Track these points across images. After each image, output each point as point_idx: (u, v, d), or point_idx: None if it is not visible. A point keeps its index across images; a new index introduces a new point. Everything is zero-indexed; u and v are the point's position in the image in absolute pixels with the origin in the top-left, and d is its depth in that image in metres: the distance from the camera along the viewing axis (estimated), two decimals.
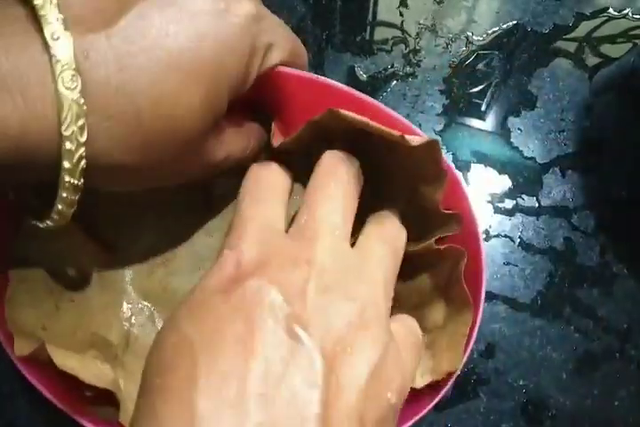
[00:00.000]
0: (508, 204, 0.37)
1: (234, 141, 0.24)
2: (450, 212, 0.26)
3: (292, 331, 0.16)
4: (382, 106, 0.27)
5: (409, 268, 0.29)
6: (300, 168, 0.31)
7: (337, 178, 0.23)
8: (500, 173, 0.38)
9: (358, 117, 0.25)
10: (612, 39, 0.40)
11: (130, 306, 0.32)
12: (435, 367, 0.26)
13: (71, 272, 0.30)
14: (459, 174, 0.27)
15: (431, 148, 0.24)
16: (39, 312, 0.27)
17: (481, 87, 0.39)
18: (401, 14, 0.40)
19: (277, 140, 0.29)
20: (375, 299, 0.19)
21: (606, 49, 0.40)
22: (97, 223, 0.31)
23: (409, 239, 0.29)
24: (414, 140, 0.25)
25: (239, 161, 0.25)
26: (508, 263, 0.36)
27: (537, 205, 0.37)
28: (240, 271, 0.18)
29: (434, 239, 0.26)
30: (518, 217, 0.37)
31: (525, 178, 0.38)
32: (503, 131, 0.38)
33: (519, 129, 0.38)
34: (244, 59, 0.20)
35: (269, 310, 0.17)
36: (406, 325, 0.22)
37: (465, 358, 0.25)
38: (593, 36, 0.40)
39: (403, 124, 0.27)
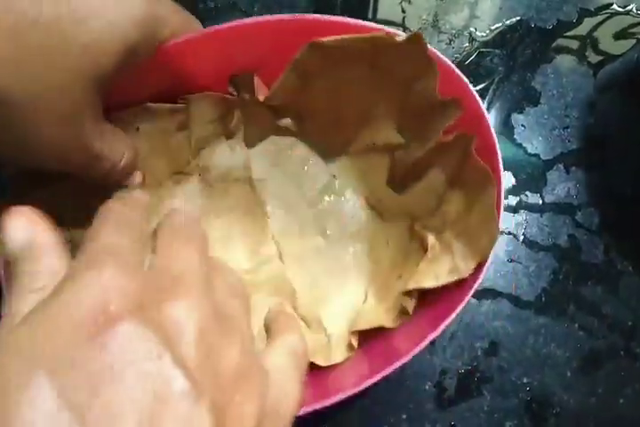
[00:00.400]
0: (512, 200, 0.37)
1: (112, 140, 0.24)
2: (448, 98, 0.25)
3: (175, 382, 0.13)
4: (359, 21, 0.26)
5: (419, 176, 0.29)
6: (286, 117, 0.31)
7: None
8: (503, 170, 0.37)
9: (338, 37, 0.25)
10: (616, 35, 0.40)
11: None
12: (476, 247, 0.25)
13: None
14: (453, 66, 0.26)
15: (416, 40, 0.24)
16: None
17: (484, 84, 0.39)
18: (403, 10, 0.39)
19: (262, 93, 0.28)
20: (250, 338, 0.17)
21: (610, 45, 0.40)
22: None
23: (414, 145, 0.29)
24: (398, 36, 0.24)
25: (111, 172, 0.25)
26: (511, 261, 0.36)
27: (541, 201, 0.37)
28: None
29: (440, 132, 0.26)
30: (522, 214, 0.37)
31: (529, 175, 0.37)
32: (507, 127, 0.38)
33: (523, 126, 0.38)
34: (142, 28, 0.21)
35: (147, 358, 0.13)
36: (286, 347, 0.19)
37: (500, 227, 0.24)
38: (597, 33, 0.40)
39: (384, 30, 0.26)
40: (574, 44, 0.39)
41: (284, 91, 0.28)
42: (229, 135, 0.32)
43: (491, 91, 0.38)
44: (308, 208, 0.33)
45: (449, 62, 0.25)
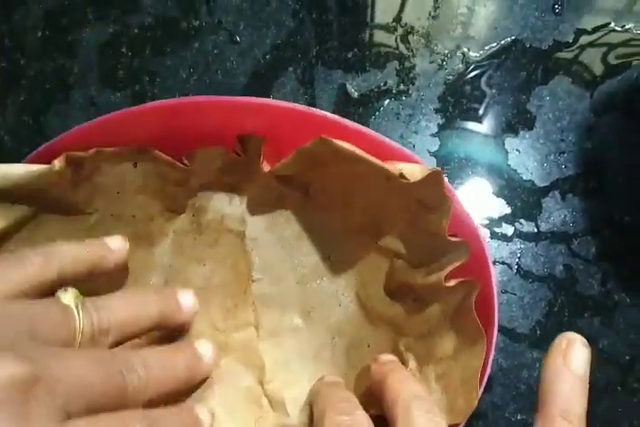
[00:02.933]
0: (506, 229, 0.36)
1: None
2: (457, 239, 0.25)
3: None
4: (377, 134, 0.25)
5: (417, 297, 0.28)
6: (291, 187, 0.30)
7: None
8: (497, 197, 0.36)
9: (352, 148, 0.24)
10: (613, 55, 0.39)
11: None
12: (451, 407, 0.24)
13: None
14: (462, 201, 0.26)
15: (434, 178, 0.23)
16: None
17: (477, 106, 0.37)
18: (395, 29, 0.38)
19: (266, 166, 0.28)
20: None
21: (607, 66, 0.38)
22: None
23: (415, 265, 0.28)
24: (414, 173, 0.24)
25: None
26: (505, 291, 0.35)
27: (536, 230, 0.36)
28: None
29: (443, 274, 0.25)
30: (516, 243, 0.35)
31: (524, 202, 0.36)
32: (500, 152, 0.37)
33: (517, 150, 0.37)
34: None
35: None
36: None
37: (480, 393, 0.24)
38: (593, 52, 0.38)
39: (397, 150, 0.26)
40: (571, 66, 0.38)
41: (292, 168, 0.27)
42: (230, 189, 0.31)
43: (485, 113, 0.37)
44: (295, 284, 0.31)
45: (463, 205, 0.26)
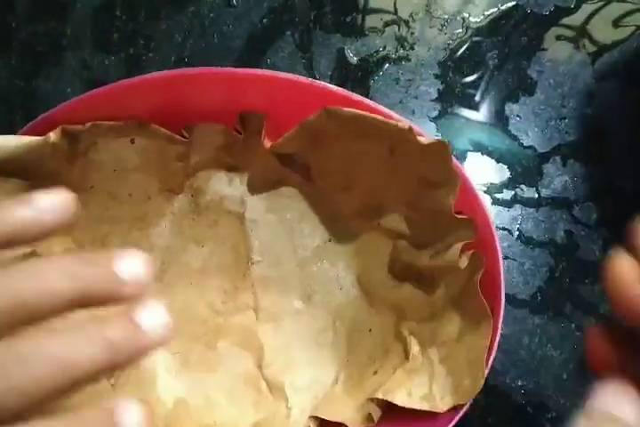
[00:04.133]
0: (507, 195, 0.35)
1: None
2: (463, 217, 0.24)
3: None
4: (384, 108, 0.25)
5: (420, 279, 0.27)
6: (292, 168, 0.29)
7: None
8: (497, 163, 0.36)
9: (360, 112, 0.23)
10: (614, 23, 0.38)
11: None
12: (457, 387, 0.23)
13: None
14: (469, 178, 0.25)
15: (440, 148, 0.22)
16: None
17: (478, 71, 0.37)
18: None
19: (267, 142, 0.27)
20: None
21: (608, 33, 0.38)
22: (82, 247, 0.28)
23: (419, 245, 0.27)
24: (422, 138, 0.23)
25: None
26: (506, 257, 0.34)
27: (536, 195, 0.35)
28: None
29: (451, 256, 0.24)
30: (517, 209, 0.35)
31: (524, 167, 0.36)
32: (501, 118, 0.36)
33: (518, 116, 0.36)
34: None
35: None
36: None
37: (486, 373, 0.23)
38: (595, 19, 0.38)
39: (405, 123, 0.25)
40: (571, 32, 0.38)
41: (294, 144, 0.26)
42: (230, 168, 0.30)
43: (485, 78, 0.37)
44: (295, 266, 0.31)
45: (469, 179, 0.25)
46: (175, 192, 0.30)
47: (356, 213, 0.29)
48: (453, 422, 0.23)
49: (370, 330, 0.29)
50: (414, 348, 0.26)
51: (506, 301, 0.33)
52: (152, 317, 0.17)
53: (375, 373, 0.27)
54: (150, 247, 0.30)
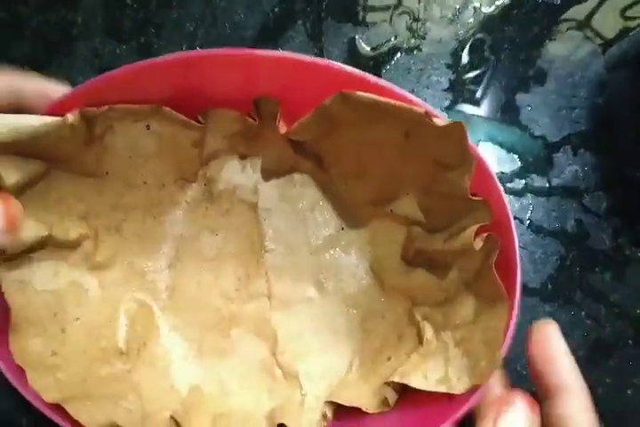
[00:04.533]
0: (518, 184, 0.35)
1: None
2: (479, 198, 0.24)
3: None
4: (396, 88, 0.24)
5: (434, 264, 0.27)
6: (305, 156, 0.29)
7: None
8: (508, 153, 0.36)
9: (375, 96, 0.23)
10: (624, 11, 0.38)
11: (132, 310, 0.29)
12: (473, 369, 0.23)
13: (72, 290, 0.28)
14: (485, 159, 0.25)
15: (456, 129, 0.22)
16: (45, 339, 0.26)
17: (488, 61, 0.37)
18: None
19: (282, 127, 0.27)
20: None
21: (619, 22, 0.38)
22: (97, 233, 0.28)
23: (433, 230, 0.27)
24: (437, 120, 0.23)
25: None
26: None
27: (547, 185, 0.35)
28: None
29: (467, 239, 0.24)
30: (528, 198, 0.35)
31: (535, 157, 0.36)
32: (511, 108, 0.36)
33: (528, 106, 0.36)
34: None
35: None
36: None
37: (504, 354, 0.23)
38: (604, 8, 0.38)
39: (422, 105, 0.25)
40: (583, 21, 0.38)
41: (309, 130, 0.26)
42: (243, 156, 0.30)
43: (496, 69, 0.37)
44: (308, 254, 0.31)
45: (484, 160, 0.24)
46: (189, 181, 0.30)
47: (369, 201, 0.29)
48: (469, 405, 0.23)
49: (383, 316, 0.29)
50: (428, 333, 0.26)
51: None
52: None
53: (389, 359, 0.27)
54: (164, 235, 0.30)
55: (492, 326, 0.23)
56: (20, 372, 0.24)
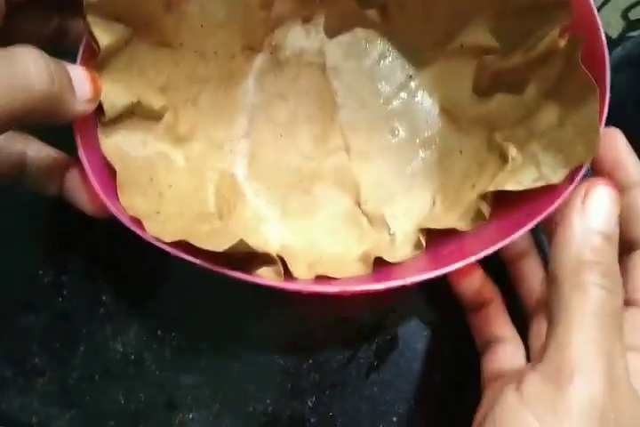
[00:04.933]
0: None
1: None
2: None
3: None
4: None
5: (511, 85, 0.28)
6: (369, 7, 0.30)
7: None
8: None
9: None
10: (625, 12, 0.38)
11: (216, 179, 0.31)
12: (569, 158, 0.24)
13: (161, 159, 0.29)
14: None
15: None
16: (148, 200, 0.27)
17: None
18: None
19: None
20: None
21: (622, 23, 0.38)
22: (176, 107, 0.29)
23: (508, 51, 0.27)
24: None
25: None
26: None
27: None
28: None
29: (556, 34, 0.24)
30: None
31: None
32: None
33: None
34: None
35: None
36: None
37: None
38: (610, 8, 0.38)
39: None
40: None
41: None
42: (307, 18, 0.31)
43: None
44: (380, 105, 0.32)
45: None
46: (256, 51, 0.31)
47: (436, 42, 0.30)
48: (573, 184, 0.23)
49: (461, 152, 0.30)
50: (512, 151, 0.26)
51: None
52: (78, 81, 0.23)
53: (473, 186, 0.28)
54: (237, 106, 0.32)
55: (583, 117, 0.24)
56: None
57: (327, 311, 0.31)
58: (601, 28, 0.24)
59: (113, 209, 0.24)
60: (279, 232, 0.31)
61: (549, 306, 0.21)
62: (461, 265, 0.24)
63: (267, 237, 0.30)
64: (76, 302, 0.31)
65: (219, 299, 0.31)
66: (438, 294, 0.30)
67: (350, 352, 0.31)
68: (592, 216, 0.21)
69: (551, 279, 0.21)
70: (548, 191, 0.24)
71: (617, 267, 0.21)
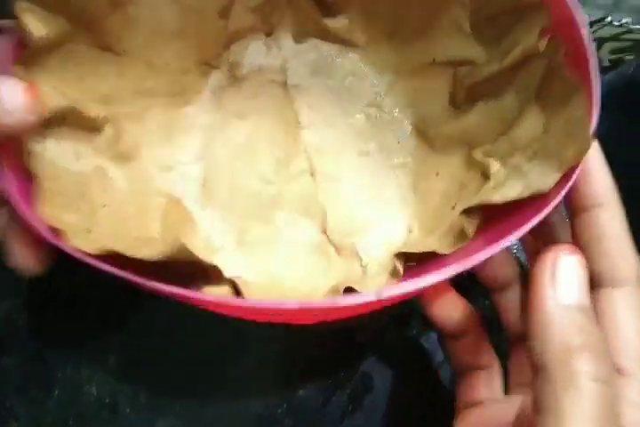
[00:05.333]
0: None
1: None
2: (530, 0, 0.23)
3: None
4: None
5: (488, 94, 0.26)
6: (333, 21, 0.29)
7: None
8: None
9: None
10: (607, 49, 0.39)
11: (162, 204, 0.27)
12: (560, 163, 0.21)
13: (96, 175, 0.25)
14: None
15: None
16: (79, 216, 0.23)
17: None
18: None
19: None
20: None
21: (603, 60, 0.39)
22: (119, 121, 0.26)
23: (488, 54, 0.26)
24: None
25: None
26: None
27: None
28: None
29: (535, 36, 0.23)
30: None
31: None
32: None
33: None
34: None
35: None
36: None
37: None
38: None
39: None
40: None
41: None
42: (269, 32, 0.30)
43: None
44: (348, 126, 0.30)
45: None
46: (212, 66, 0.29)
47: (407, 59, 0.29)
48: (563, 193, 0.21)
49: (437, 173, 0.28)
50: (494, 167, 0.24)
51: None
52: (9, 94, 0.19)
53: (453, 207, 0.25)
54: (190, 126, 0.28)
55: (571, 117, 0.22)
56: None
57: (302, 353, 0.30)
58: (583, 25, 0.23)
59: (26, 214, 0.20)
60: (235, 266, 0.26)
61: (537, 392, 0.18)
62: (436, 280, 0.19)
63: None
64: (51, 344, 0.30)
65: (194, 341, 0.30)
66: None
67: (324, 396, 0.30)
68: (566, 291, 0.19)
69: (538, 366, 0.18)
70: (537, 200, 0.21)
71: (604, 344, 0.19)
